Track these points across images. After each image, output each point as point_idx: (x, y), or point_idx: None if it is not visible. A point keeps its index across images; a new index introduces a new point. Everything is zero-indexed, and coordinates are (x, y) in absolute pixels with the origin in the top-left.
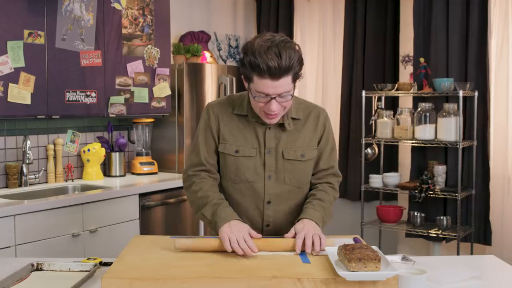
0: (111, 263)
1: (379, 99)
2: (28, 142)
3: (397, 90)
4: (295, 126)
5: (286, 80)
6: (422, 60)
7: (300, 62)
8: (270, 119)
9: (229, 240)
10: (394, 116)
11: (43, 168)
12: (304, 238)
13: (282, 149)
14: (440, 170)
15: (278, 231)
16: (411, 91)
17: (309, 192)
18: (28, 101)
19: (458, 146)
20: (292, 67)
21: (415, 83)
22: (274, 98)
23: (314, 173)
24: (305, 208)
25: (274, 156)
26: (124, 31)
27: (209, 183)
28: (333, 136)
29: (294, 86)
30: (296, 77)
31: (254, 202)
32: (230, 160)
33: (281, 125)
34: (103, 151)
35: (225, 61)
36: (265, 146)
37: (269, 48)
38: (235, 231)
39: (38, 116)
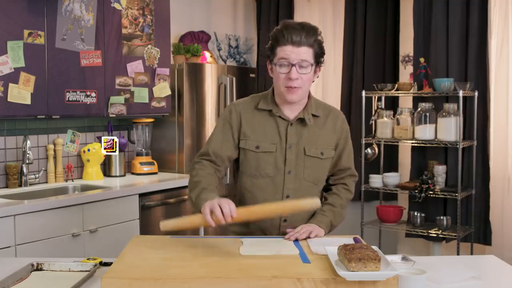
0: (111, 263)
1: (379, 99)
2: (28, 142)
3: (397, 90)
4: (316, 124)
5: (308, 50)
6: (422, 60)
7: (321, 47)
8: (291, 93)
9: (210, 210)
10: (394, 116)
11: (43, 168)
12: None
13: (303, 146)
14: (440, 170)
15: (293, 227)
16: (411, 91)
17: (324, 195)
18: (28, 101)
19: (458, 146)
20: (313, 42)
21: (415, 83)
22: (295, 65)
23: (332, 174)
24: (316, 213)
25: (295, 152)
26: (124, 31)
27: (207, 170)
28: (350, 138)
29: (315, 68)
30: (317, 58)
31: (273, 197)
32: (251, 155)
33: (302, 121)
34: None
35: (225, 61)
36: (287, 141)
37: (295, 24)
38: (217, 202)
39: (38, 116)
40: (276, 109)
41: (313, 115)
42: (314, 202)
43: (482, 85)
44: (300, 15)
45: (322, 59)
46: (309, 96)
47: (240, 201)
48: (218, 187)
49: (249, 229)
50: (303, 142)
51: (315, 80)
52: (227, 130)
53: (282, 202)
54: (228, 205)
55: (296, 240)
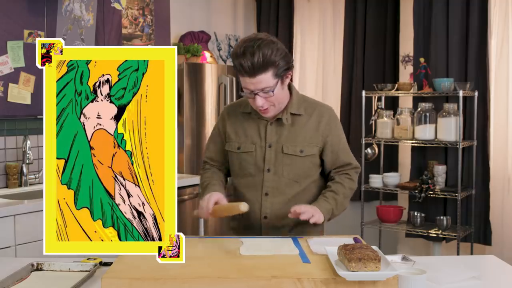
0: (111, 263)
1: (379, 99)
2: (28, 142)
3: (397, 90)
4: (296, 122)
5: (265, 76)
6: (422, 60)
7: (283, 58)
8: (263, 113)
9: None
10: (394, 116)
11: (43, 168)
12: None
13: (282, 144)
14: (440, 170)
15: (275, 224)
16: (411, 91)
17: (327, 183)
18: (28, 101)
19: (458, 146)
20: (268, 64)
21: (415, 83)
22: (257, 93)
23: (334, 168)
24: (318, 198)
25: (274, 150)
26: (124, 31)
27: (210, 171)
28: (343, 132)
29: (282, 82)
30: (279, 73)
31: (254, 195)
32: (234, 156)
33: (281, 120)
34: None
35: (225, 61)
36: (266, 140)
37: (246, 49)
38: (203, 200)
39: (38, 116)
40: (255, 111)
41: (294, 114)
42: (241, 205)
43: (482, 85)
44: (300, 15)
45: (290, 66)
46: (292, 94)
47: (234, 200)
48: (224, 181)
49: (239, 224)
50: (282, 140)
51: (315, 80)
52: (216, 134)
53: (227, 204)
54: (207, 202)
55: (295, 240)
